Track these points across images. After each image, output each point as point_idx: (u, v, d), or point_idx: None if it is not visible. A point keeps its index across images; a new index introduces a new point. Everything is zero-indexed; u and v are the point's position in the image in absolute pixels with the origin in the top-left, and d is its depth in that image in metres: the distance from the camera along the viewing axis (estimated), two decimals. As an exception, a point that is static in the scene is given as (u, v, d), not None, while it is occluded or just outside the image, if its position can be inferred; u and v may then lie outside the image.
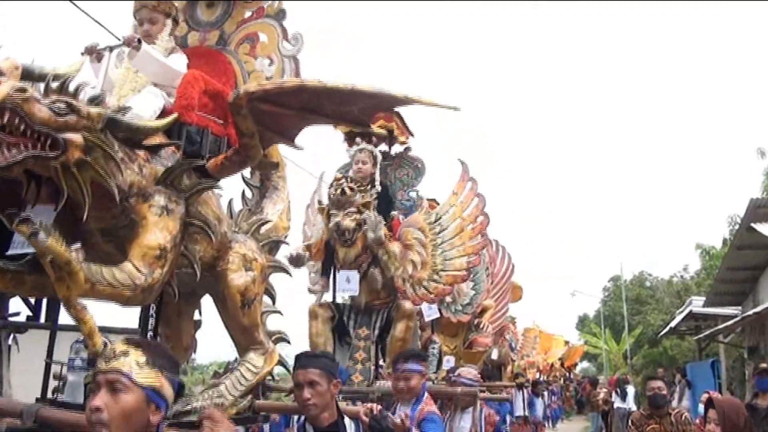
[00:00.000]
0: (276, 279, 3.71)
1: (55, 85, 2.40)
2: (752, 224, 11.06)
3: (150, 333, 2.97)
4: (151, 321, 2.99)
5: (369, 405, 3.15)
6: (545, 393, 17.23)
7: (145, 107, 2.91)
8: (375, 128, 5.91)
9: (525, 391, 13.50)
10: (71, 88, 2.43)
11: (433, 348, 7.30)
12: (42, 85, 2.44)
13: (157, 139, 2.81)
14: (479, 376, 6.01)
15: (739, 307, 14.64)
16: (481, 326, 8.61)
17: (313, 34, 3.34)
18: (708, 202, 77.04)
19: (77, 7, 6.58)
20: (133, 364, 1.82)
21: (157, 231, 2.67)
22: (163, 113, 2.97)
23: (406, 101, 3.07)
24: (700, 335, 17.15)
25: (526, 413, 13.32)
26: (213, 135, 3.10)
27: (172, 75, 3.12)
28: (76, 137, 2.37)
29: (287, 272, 3.72)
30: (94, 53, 3.19)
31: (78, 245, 2.75)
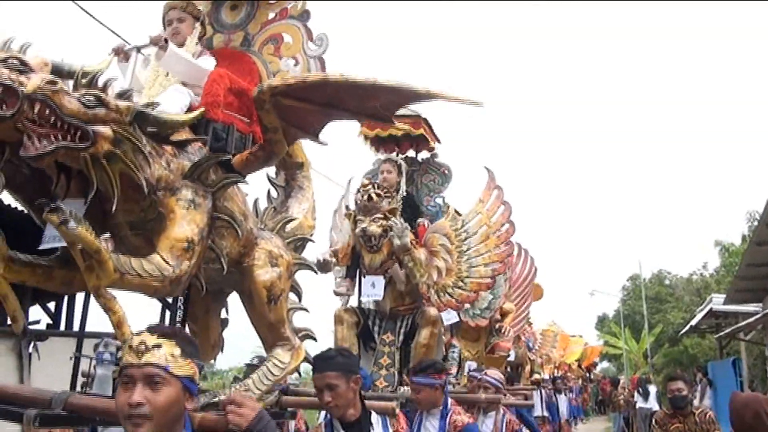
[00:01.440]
0: (303, 278, 3.75)
1: (84, 79, 2.44)
2: (771, 220, 10.94)
3: (178, 324, 3.01)
4: (180, 314, 3.04)
5: None
6: (566, 390, 17.10)
7: (172, 104, 2.95)
8: (398, 124, 5.89)
9: (543, 390, 13.44)
10: (100, 82, 2.47)
11: (453, 353, 7.30)
12: (71, 82, 2.48)
13: (184, 135, 2.86)
14: (501, 375, 6.00)
15: (760, 304, 14.46)
16: (503, 330, 8.58)
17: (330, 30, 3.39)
18: (726, 198, 76.30)
19: (82, 8, 6.68)
20: (168, 356, 1.84)
21: (185, 224, 2.71)
22: (190, 110, 3.00)
23: (428, 96, 3.03)
24: (721, 333, 16.92)
25: (545, 413, 13.26)
26: (238, 132, 3.13)
27: (199, 74, 3.16)
28: (105, 129, 2.41)
29: (313, 270, 3.75)
30: (122, 53, 3.25)
31: (107, 236, 2.81)
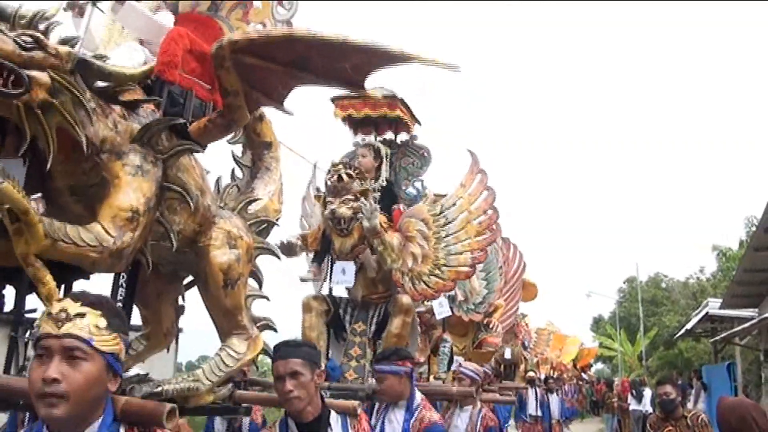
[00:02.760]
0: (266, 266, 3.48)
1: (23, 20, 2.19)
2: (770, 226, 10.89)
3: (120, 305, 2.69)
4: (121, 291, 2.75)
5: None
6: (558, 390, 16.99)
7: (124, 60, 2.71)
8: (371, 92, 5.49)
9: (537, 389, 13.36)
10: (41, 25, 2.22)
11: (444, 347, 7.08)
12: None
13: (136, 96, 2.62)
14: (481, 368, 5.77)
15: (756, 310, 14.44)
16: (491, 326, 8.44)
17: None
18: (725, 203, 76.33)
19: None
20: (92, 327, 1.63)
21: (130, 192, 2.46)
22: None
23: (403, 58, 2.75)
24: (716, 337, 16.98)
25: (539, 412, 13.17)
26: (198, 98, 2.89)
27: (159, 31, 2.93)
28: (42, 76, 2.17)
29: (276, 255, 3.47)
30: (76, 8, 3.00)
31: (38, 196, 2.58)
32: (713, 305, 17.07)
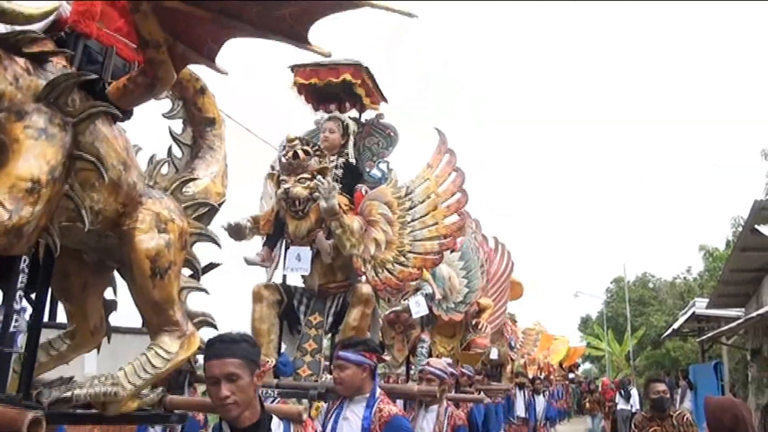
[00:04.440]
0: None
1: None
2: (756, 226, 10.82)
3: (20, 295, 2.31)
4: (22, 278, 2.31)
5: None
6: (545, 392, 17.01)
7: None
8: (317, 48, 5.11)
9: (525, 391, 13.33)
10: None
11: (422, 347, 6.75)
12: None
13: (45, 48, 2.27)
14: (449, 367, 5.53)
15: (743, 309, 14.51)
16: (480, 327, 8.32)
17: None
18: (712, 203, 76.76)
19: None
20: None
21: (31, 158, 2.11)
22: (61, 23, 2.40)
23: (349, 4, 2.34)
24: (703, 337, 17.07)
25: (526, 414, 13.14)
26: (121, 58, 2.52)
27: None
28: None
29: (216, 242, 3.08)
30: None
31: None
32: (700, 305, 17.23)
